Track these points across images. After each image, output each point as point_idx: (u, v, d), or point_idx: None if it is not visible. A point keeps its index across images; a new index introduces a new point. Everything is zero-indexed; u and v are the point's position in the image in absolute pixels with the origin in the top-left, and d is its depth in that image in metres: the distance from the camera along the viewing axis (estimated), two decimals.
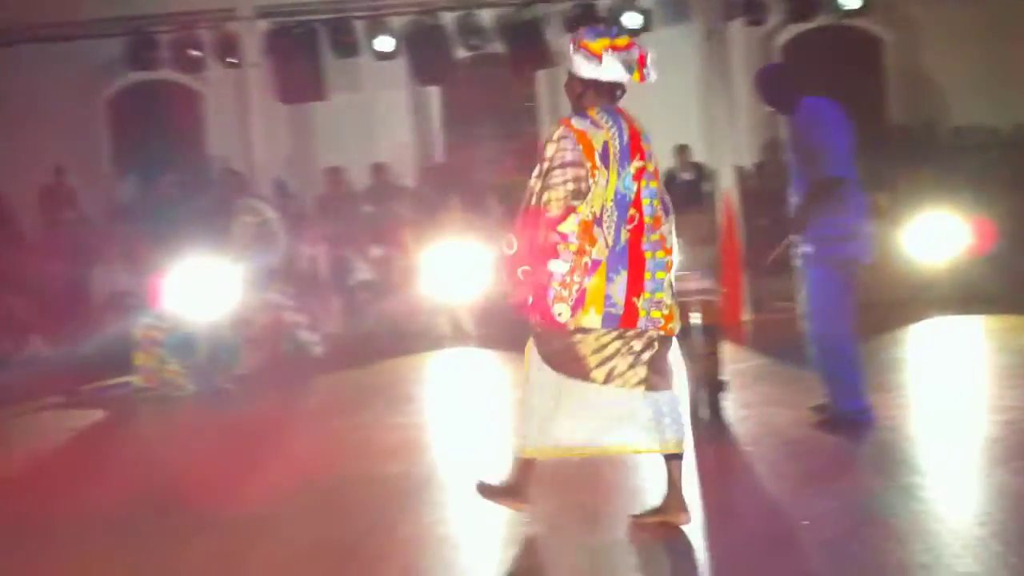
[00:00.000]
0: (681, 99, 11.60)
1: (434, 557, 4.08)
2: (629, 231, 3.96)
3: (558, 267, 3.92)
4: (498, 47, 11.83)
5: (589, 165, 3.91)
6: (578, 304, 3.93)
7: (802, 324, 5.65)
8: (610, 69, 4.07)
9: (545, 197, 3.91)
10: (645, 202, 4.01)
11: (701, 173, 11.44)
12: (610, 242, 3.93)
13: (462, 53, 11.86)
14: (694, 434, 5.70)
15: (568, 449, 4.16)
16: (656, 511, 4.19)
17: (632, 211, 3.97)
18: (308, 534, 4.45)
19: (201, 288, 8.36)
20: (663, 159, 11.43)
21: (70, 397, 8.27)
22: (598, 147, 3.93)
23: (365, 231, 11.09)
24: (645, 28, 11.27)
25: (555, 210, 3.89)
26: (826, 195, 5.31)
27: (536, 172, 4.02)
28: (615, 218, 3.94)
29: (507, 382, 8.20)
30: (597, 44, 4.07)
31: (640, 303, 3.97)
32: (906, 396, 6.56)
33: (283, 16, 11.31)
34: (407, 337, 10.13)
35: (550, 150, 3.97)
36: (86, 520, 4.92)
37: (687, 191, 11.09)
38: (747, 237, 9.80)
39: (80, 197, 12.14)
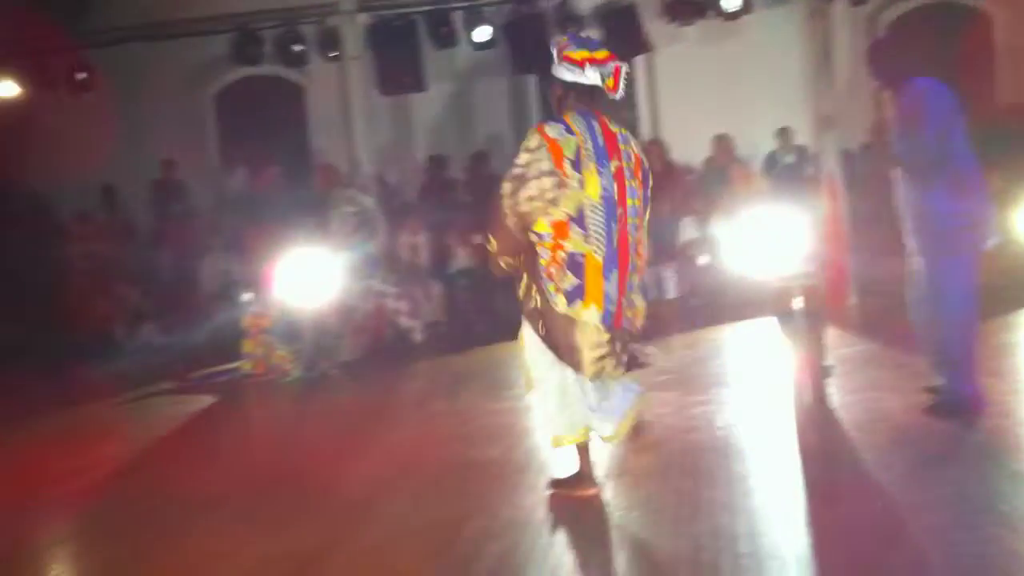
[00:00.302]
0: (783, 81, 11.42)
1: (535, 540, 4.10)
2: (617, 231, 4.19)
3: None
4: (595, 34, 11.77)
5: (559, 172, 4.12)
6: (578, 296, 4.15)
7: (912, 309, 5.49)
8: (589, 76, 4.26)
9: (524, 206, 4.16)
10: (629, 202, 4.23)
11: (804, 156, 11.22)
12: (599, 238, 4.15)
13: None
14: (798, 421, 5.63)
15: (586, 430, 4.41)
16: (568, 483, 4.49)
17: (619, 210, 4.19)
18: (411, 517, 4.52)
19: (306, 277, 8.53)
20: (765, 142, 11.33)
21: (181, 383, 8.54)
22: (569, 154, 4.13)
23: (465, 220, 11.17)
24: (745, 10, 11.07)
25: (535, 216, 4.16)
26: (929, 178, 5.14)
27: (508, 175, 4.23)
28: (603, 216, 4.15)
29: None
30: (578, 54, 4.26)
31: (624, 303, 4.24)
32: (1019, 382, 6.34)
33: (383, 9, 11.43)
34: (507, 323, 10.15)
35: (524, 158, 4.18)
36: (196, 502, 5.07)
37: (789, 175, 10.89)
38: (852, 220, 9.58)
39: (189, 189, 12.50)
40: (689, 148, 11.78)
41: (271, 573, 4.01)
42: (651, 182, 4.43)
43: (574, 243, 4.15)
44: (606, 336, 4.21)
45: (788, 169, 11.04)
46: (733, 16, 11.11)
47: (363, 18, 11.30)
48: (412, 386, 8.18)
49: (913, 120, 5.26)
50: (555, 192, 4.12)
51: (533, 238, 4.23)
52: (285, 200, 10.71)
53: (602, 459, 4.88)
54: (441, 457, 5.50)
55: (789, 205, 8.11)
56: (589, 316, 4.17)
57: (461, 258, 11.11)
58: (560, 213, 4.14)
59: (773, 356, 7.03)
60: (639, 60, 12.17)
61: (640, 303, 4.39)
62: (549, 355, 4.32)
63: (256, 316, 8.59)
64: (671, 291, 10.41)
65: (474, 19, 11.53)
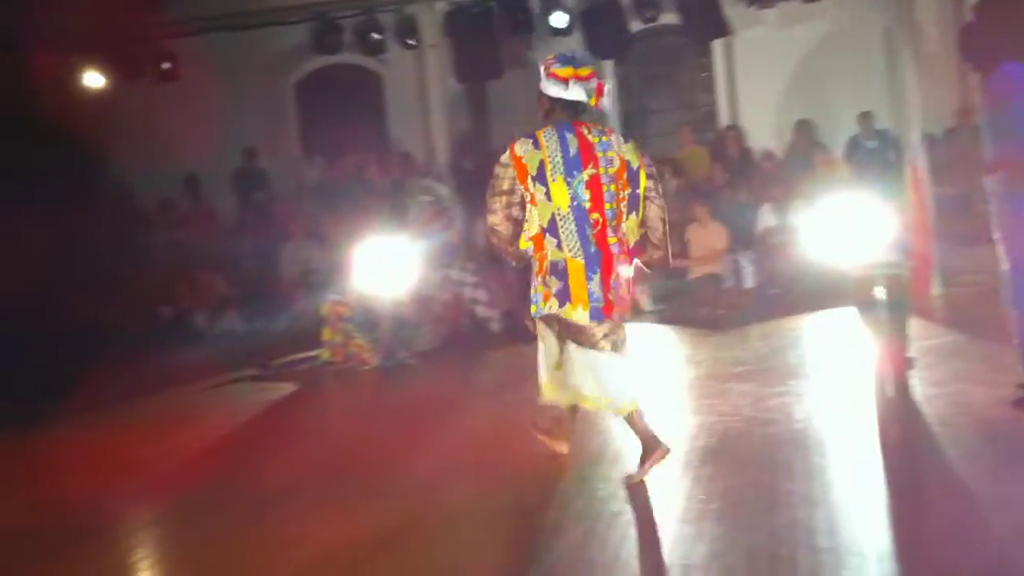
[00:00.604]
0: (865, 64, 11.18)
1: (608, 531, 4.08)
2: (595, 235, 4.54)
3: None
4: (673, 18, 11.65)
5: (521, 188, 4.54)
6: (566, 299, 4.56)
7: (1001, 298, 5.33)
8: (574, 92, 4.60)
9: (490, 220, 4.59)
10: (607, 206, 4.56)
11: (886, 141, 10.96)
12: (573, 245, 4.53)
13: (637, 25, 11.74)
14: (880, 413, 5.52)
15: (579, 396, 4.76)
16: (641, 463, 4.64)
17: (594, 215, 4.54)
18: (481, 505, 4.53)
19: (384, 266, 8.60)
20: (847, 127, 11.08)
21: (262, 371, 8.67)
22: (532, 170, 4.52)
23: None
24: None
25: (502, 231, 4.59)
26: (1017, 164, 4.97)
27: (488, 191, 4.62)
28: (573, 225, 4.53)
29: (682, 359, 8.13)
30: (564, 71, 4.60)
31: (611, 298, 4.59)
32: None
33: None
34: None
35: (496, 172, 4.59)
36: (273, 488, 5.16)
37: (871, 160, 10.66)
38: (936, 208, 9.34)
39: (270, 178, 12.68)
40: (769, 134, 11.61)
41: (344, 558, 4.05)
42: (643, 180, 4.68)
43: (552, 252, 4.57)
44: (602, 328, 4.59)
45: (870, 155, 10.81)
46: None
47: (441, 6, 11.37)
48: (487, 375, 8.20)
49: (1002, 104, 5.10)
50: (510, 208, 4.56)
51: (519, 254, 4.68)
52: (363, 188, 10.80)
53: (679, 450, 4.84)
54: (513, 446, 5.49)
55: (871, 192, 7.96)
56: (579, 316, 4.57)
57: None
58: (534, 227, 4.58)
59: (854, 347, 6.90)
60: (717, 44, 12.02)
61: (624, 293, 4.69)
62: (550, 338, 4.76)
63: (335, 304, 8.69)
64: (748, 280, 10.29)
65: (551, 5, 11.50)
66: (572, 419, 5.05)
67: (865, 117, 11.03)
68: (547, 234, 4.55)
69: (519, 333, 7.49)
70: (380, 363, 8.43)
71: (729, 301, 9.85)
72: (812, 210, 9.17)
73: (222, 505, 4.90)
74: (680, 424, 5.70)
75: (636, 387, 4.72)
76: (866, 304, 6.19)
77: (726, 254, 10.12)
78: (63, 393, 7.75)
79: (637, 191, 4.65)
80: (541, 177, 4.51)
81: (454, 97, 11.84)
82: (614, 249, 4.59)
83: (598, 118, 4.89)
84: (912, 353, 6.00)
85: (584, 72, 4.60)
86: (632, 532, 4.10)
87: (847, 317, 8.65)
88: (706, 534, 3.94)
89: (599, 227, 4.54)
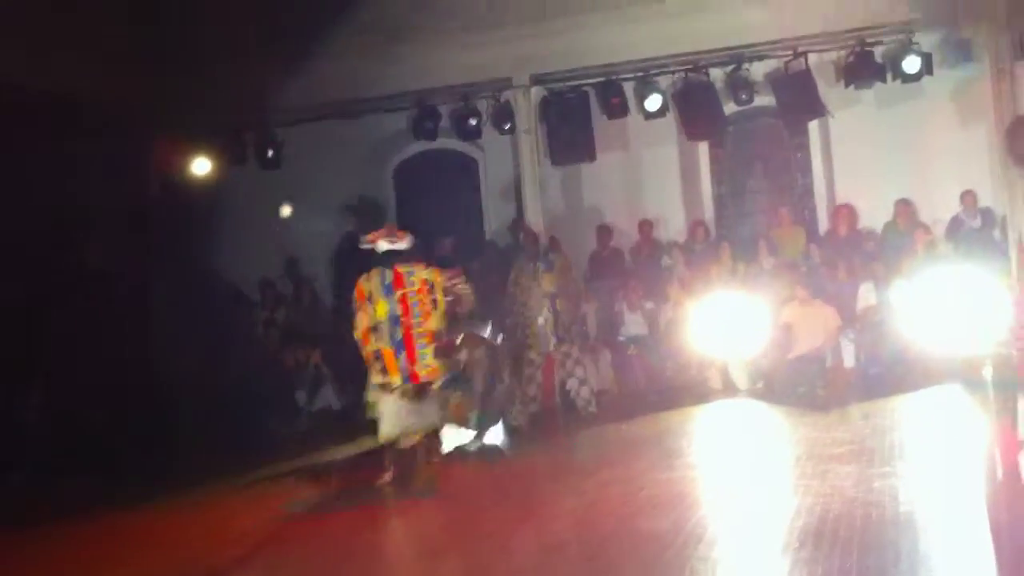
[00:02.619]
0: (967, 143, 11.01)
1: None
2: (402, 332, 7.06)
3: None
4: (768, 100, 11.66)
5: (360, 304, 7.11)
6: (387, 371, 7.05)
7: None
8: (381, 247, 7.24)
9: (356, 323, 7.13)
10: (413, 311, 7.09)
11: (990, 219, 10.72)
12: (388, 340, 7.05)
13: (731, 107, 11.78)
14: (988, 497, 5.32)
15: (407, 433, 7.08)
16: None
17: (403, 319, 7.07)
18: None
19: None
20: (948, 206, 10.84)
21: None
22: (366, 293, 7.11)
23: (633, 286, 11.16)
24: (926, 71, 10.76)
25: (359, 333, 7.11)
26: None
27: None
28: (389, 327, 7.06)
29: (780, 439, 7.97)
30: (371, 237, 7.34)
31: (417, 368, 7.07)
32: None
33: (555, 82, 11.66)
34: (677, 390, 10.06)
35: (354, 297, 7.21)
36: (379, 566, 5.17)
37: (974, 239, 10.42)
38: None
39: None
40: (868, 212, 11.46)
41: None
42: (436, 293, 7.17)
43: (373, 344, 7.07)
44: (409, 387, 7.04)
45: (973, 233, 10.57)
46: (914, 78, 10.81)
47: (536, 91, 11.57)
48: (582, 454, 8.15)
49: None
50: (360, 317, 7.09)
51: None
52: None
53: (777, 531, 4.73)
54: (611, 526, 5.44)
55: (975, 270, 7.78)
56: (396, 380, 7.04)
57: (630, 324, 11.08)
58: (368, 323, 7.06)
59: (960, 428, 6.69)
60: (813, 124, 11.97)
61: (431, 361, 7.09)
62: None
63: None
64: (848, 358, 10.09)
65: (645, 88, 11.61)
66: (395, 453, 7.22)
67: (967, 195, 10.81)
68: (372, 331, 7.06)
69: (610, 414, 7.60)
70: (474, 444, 8.36)
71: (829, 380, 9.66)
72: (914, 288, 8.99)
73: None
74: (778, 504, 5.58)
75: (435, 417, 7.19)
76: (973, 384, 6.03)
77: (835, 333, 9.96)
78: (169, 468, 7.97)
79: (435, 298, 7.16)
80: (370, 298, 7.09)
81: (548, 179, 11.97)
82: (416, 339, 7.06)
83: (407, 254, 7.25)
84: (1022, 435, 5.79)
85: (381, 234, 7.27)
86: None
87: (952, 397, 8.43)
88: None
89: (404, 326, 7.06)
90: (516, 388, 9.12)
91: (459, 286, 7.57)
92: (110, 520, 6.66)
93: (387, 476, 7.21)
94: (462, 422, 8.23)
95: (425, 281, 7.14)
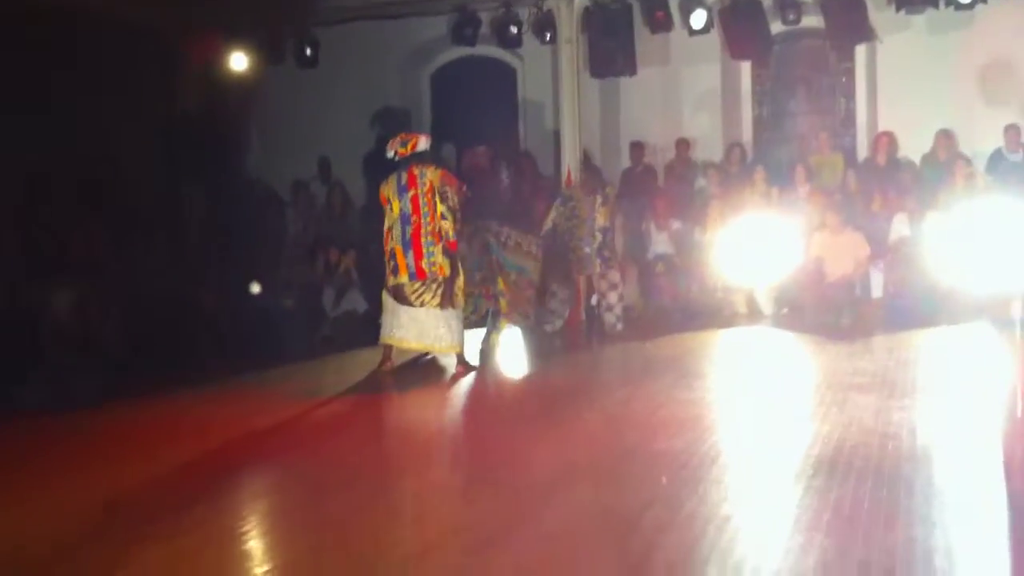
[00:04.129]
0: (1015, 75, 10.78)
1: (717, 536, 4.04)
2: (411, 231, 7.43)
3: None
4: (816, 21, 11.41)
5: (384, 207, 7.60)
6: (395, 271, 7.52)
7: None
8: (390, 153, 7.59)
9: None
10: (423, 210, 7.42)
11: None
12: (399, 237, 7.47)
13: (777, 27, 11.54)
14: (1007, 434, 5.33)
15: (401, 341, 7.66)
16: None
17: (412, 217, 7.44)
18: (591, 503, 4.54)
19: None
20: (992, 139, 10.64)
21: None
22: (386, 196, 7.56)
23: (663, 205, 11.09)
24: None
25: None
26: None
27: None
28: (399, 226, 7.48)
29: (800, 366, 7.99)
30: (389, 146, 7.63)
31: (424, 264, 7.43)
32: None
33: None
34: (702, 313, 10.08)
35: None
36: (392, 469, 5.27)
37: (1015, 174, 10.23)
38: None
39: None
40: (909, 142, 11.27)
41: (453, 545, 4.12)
42: (449, 194, 7.39)
43: (393, 242, 7.51)
44: (417, 284, 7.46)
45: (1015, 168, 10.38)
46: (968, 6, 10.53)
47: (579, 1, 11.36)
48: (603, 371, 8.21)
49: None
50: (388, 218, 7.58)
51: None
52: (490, 179, 10.92)
53: (791, 459, 4.77)
54: (626, 445, 5.50)
55: (1013, 206, 7.67)
56: (403, 279, 7.49)
57: (658, 243, 11.05)
58: (388, 224, 7.54)
59: (985, 364, 6.67)
60: (860, 48, 11.71)
61: (440, 259, 7.42)
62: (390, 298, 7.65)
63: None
64: (876, 290, 10.04)
65: (691, 3, 11.38)
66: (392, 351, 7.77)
67: (1011, 129, 10.59)
68: (390, 231, 7.53)
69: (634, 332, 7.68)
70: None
71: (855, 310, 9.63)
72: (949, 222, 8.90)
73: (341, 481, 5.02)
74: (795, 431, 5.62)
75: (456, 333, 7.52)
76: (1001, 323, 5.99)
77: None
78: (193, 365, 8.09)
79: (435, 199, 7.40)
80: (389, 199, 7.54)
81: (587, 91, 11.81)
82: (424, 237, 7.41)
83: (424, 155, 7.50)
84: None
85: (398, 142, 7.56)
86: (741, 537, 4.06)
87: (979, 334, 8.39)
88: (817, 545, 3.87)
89: (414, 225, 7.42)
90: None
91: (449, 195, 7.44)
92: (125, 413, 6.77)
93: (387, 365, 7.72)
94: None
95: (431, 184, 7.41)
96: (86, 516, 4.57)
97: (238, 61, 11.73)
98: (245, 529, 4.38)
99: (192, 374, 7.78)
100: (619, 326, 9.51)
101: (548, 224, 9.55)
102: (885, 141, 11.20)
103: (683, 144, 11.94)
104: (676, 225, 11.01)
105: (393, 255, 7.49)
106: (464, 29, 12.00)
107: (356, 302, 10.43)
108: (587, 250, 9.40)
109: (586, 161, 11.06)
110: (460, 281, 7.55)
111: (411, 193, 7.42)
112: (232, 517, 4.56)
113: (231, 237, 10.78)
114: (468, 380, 7.52)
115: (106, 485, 5.05)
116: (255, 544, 4.22)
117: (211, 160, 11.29)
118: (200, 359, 8.46)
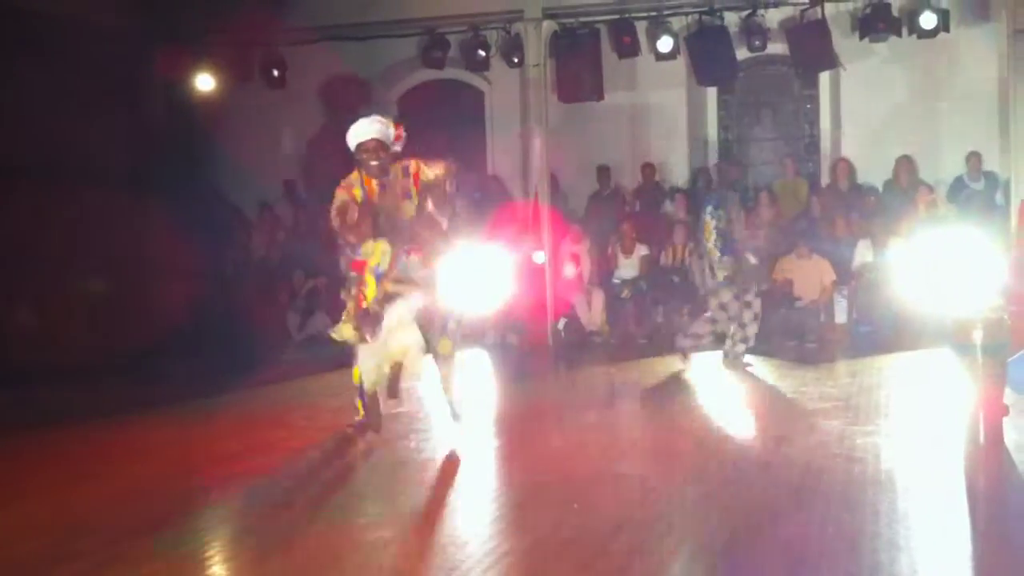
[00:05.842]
0: (976, 104, 10.94)
1: (691, 558, 4.04)
2: None
3: None
4: (781, 48, 11.54)
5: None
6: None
7: None
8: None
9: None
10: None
11: (993, 183, 10.68)
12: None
13: (743, 53, 11.66)
14: (970, 460, 5.37)
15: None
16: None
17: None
18: (561, 526, 4.51)
19: (474, 275, 8.64)
20: (953, 167, 10.80)
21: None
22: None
23: (629, 229, 11.13)
24: (942, 28, 10.63)
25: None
26: None
27: None
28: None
29: (765, 391, 8.03)
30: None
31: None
32: None
33: (568, 17, 11.50)
34: (666, 336, 10.08)
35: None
36: (350, 493, 5.20)
37: (976, 201, 10.38)
38: None
39: None
40: (871, 168, 11.40)
41: (422, 566, 4.09)
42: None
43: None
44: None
45: (976, 195, 10.54)
46: (930, 34, 10.69)
47: (547, 25, 11.41)
48: (569, 394, 8.20)
49: None
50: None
51: None
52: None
53: (757, 484, 4.77)
54: (593, 468, 5.48)
55: (974, 233, 7.75)
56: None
57: (624, 267, 11.08)
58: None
59: (947, 390, 6.73)
60: (824, 76, 11.85)
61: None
62: None
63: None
64: (840, 314, 10.11)
65: (658, 29, 11.48)
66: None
67: (973, 157, 10.76)
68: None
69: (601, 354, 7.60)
70: None
71: (819, 335, 9.69)
72: (911, 248, 8.98)
73: (307, 504, 4.97)
74: (759, 455, 5.63)
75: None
76: (963, 347, 6.04)
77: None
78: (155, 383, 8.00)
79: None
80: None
81: (554, 116, 11.86)
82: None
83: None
84: (1008, 400, 5.83)
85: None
86: (709, 560, 4.05)
87: (942, 359, 8.47)
88: (783, 571, 3.87)
89: None
90: None
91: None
92: (92, 433, 6.68)
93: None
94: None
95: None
96: (52, 537, 4.49)
97: (203, 80, 11.67)
98: (209, 554, 4.32)
99: (156, 391, 7.69)
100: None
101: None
102: (844, 166, 11.34)
103: (648, 168, 12.01)
104: (643, 251, 11.04)
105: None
106: (433, 52, 12.02)
107: (323, 324, 10.36)
108: None
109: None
110: (350, 305, 6.41)
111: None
112: (198, 542, 4.49)
113: (193, 253, 10.63)
114: (439, 404, 7.47)
115: (73, 505, 4.97)
116: (219, 570, 4.16)
117: (175, 174, 11.15)
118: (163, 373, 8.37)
